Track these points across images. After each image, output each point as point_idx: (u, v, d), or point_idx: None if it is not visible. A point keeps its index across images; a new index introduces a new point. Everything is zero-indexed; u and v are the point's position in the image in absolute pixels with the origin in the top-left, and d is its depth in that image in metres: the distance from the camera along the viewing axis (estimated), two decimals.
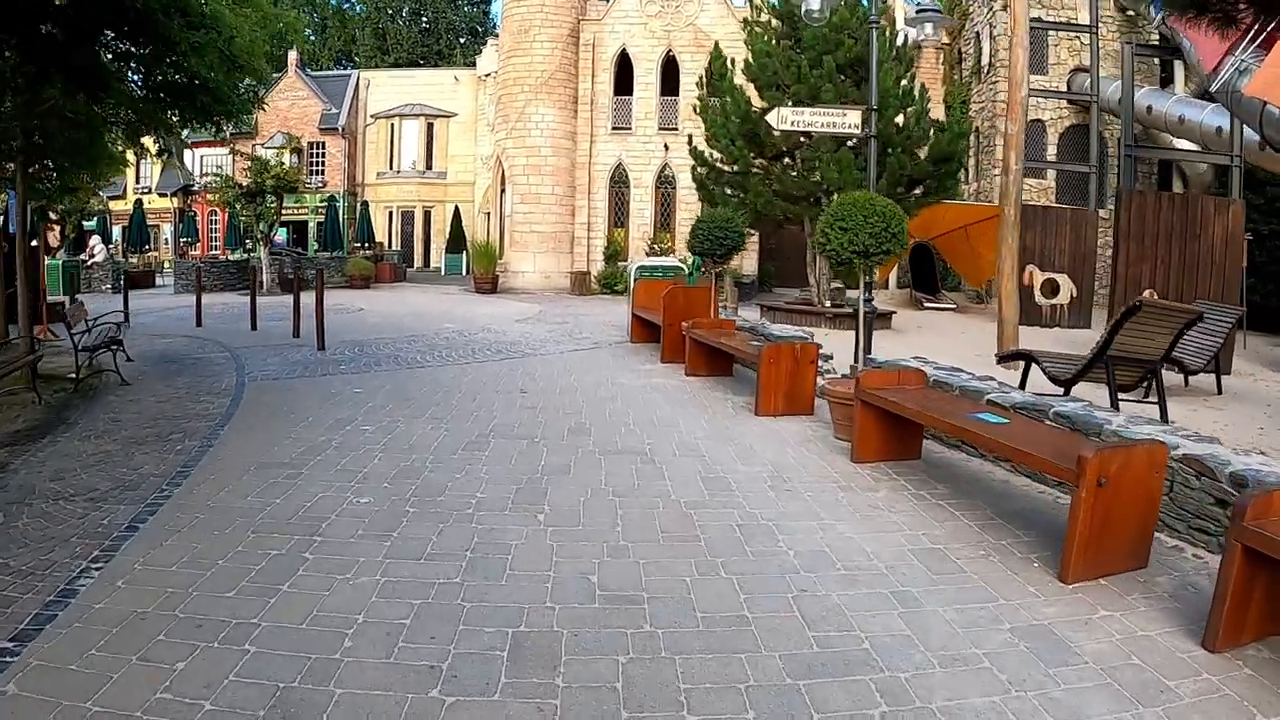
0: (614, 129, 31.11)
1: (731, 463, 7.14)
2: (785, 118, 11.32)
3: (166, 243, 46.84)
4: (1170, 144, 25.64)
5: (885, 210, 7.79)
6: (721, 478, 6.69)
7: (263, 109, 14.73)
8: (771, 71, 19.58)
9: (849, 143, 18.60)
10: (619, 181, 31.29)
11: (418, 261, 43.07)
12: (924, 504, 6.08)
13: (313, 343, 14.05)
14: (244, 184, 28.00)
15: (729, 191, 20.37)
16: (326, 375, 11.40)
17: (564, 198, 30.25)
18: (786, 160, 20.42)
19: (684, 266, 16.53)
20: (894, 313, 20.50)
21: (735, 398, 10.14)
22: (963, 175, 27.86)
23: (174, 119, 11.19)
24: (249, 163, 28.49)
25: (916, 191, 19.89)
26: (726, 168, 21.01)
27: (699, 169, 21.78)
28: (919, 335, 18.04)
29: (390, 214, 43.54)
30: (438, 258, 42.72)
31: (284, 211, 43.78)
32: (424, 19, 66.54)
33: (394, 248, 41.35)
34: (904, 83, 19.51)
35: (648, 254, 29.96)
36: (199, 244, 45.20)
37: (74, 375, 10.66)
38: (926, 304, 24.56)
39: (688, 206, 30.73)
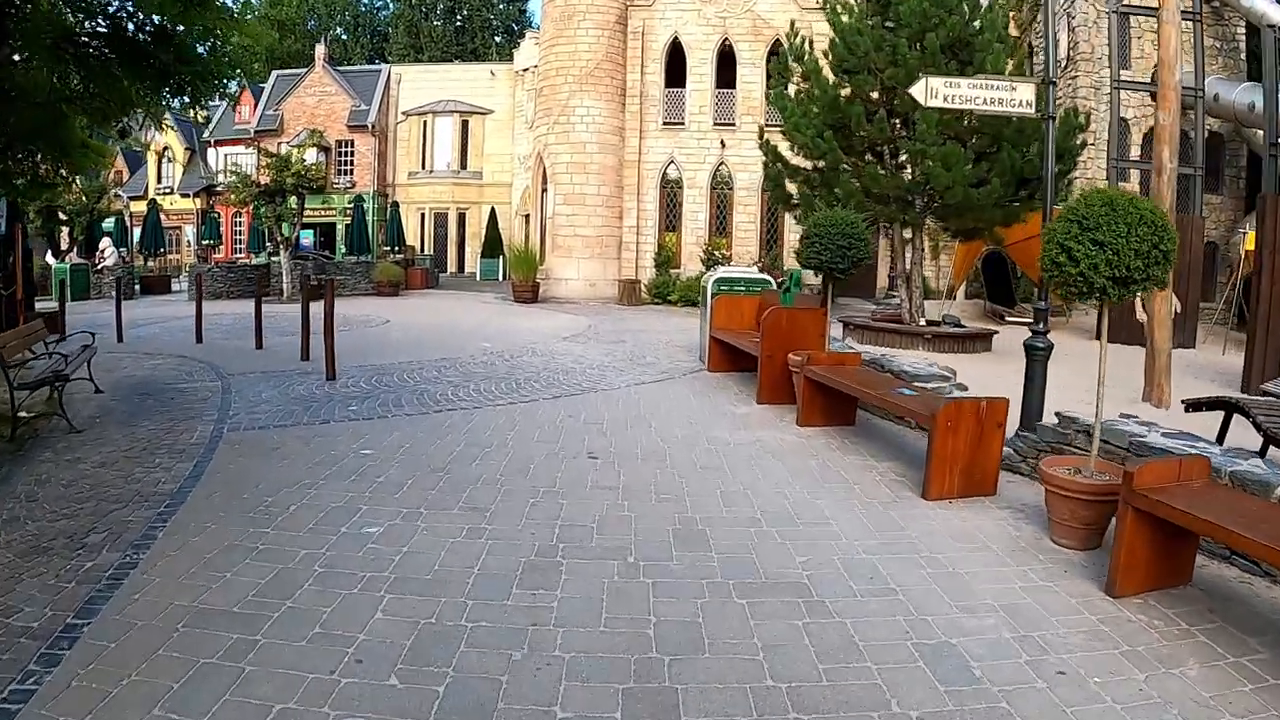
0: (665, 124, 28.45)
1: (946, 610, 4.43)
2: (935, 91, 8.53)
3: (189, 245, 44.72)
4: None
5: (1154, 218, 5.04)
6: (950, 650, 3.97)
7: (245, 77, 12.23)
8: (862, 53, 16.77)
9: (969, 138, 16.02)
10: (670, 181, 28.61)
11: (451, 266, 40.60)
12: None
13: (322, 368, 11.42)
14: (263, 182, 25.55)
15: (810, 191, 17.59)
16: (329, 422, 8.75)
17: (610, 198, 27.62)
18: (869, 156, 17.62)
19: (769, 280, 13.75)
20: (995, 332, 17.65)
21: (877, 464, 7.43)
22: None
23: (136, 90, 8.53)
24: (268, 159, 26.07)
25: (1022, 194, 16.98)
26: (806, 164, 18.26)
27: (773, 166, 19.06)
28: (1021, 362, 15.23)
29: (422, 216, 41.10)
30: (472, 262, 40.27)
31: (310, 213, 41.63)
32: (459, 17, 64.36)
33: (426, 252, 38.88)
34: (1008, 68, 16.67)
35: (705, 261, 27.29)
36: (222, 247, 43.06)
37: (18, 414, 8.16)
38: (1009, 319, 21.65)
39: (745, 209, 28.10)
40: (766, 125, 28.23)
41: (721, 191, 28.69)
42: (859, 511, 6.10)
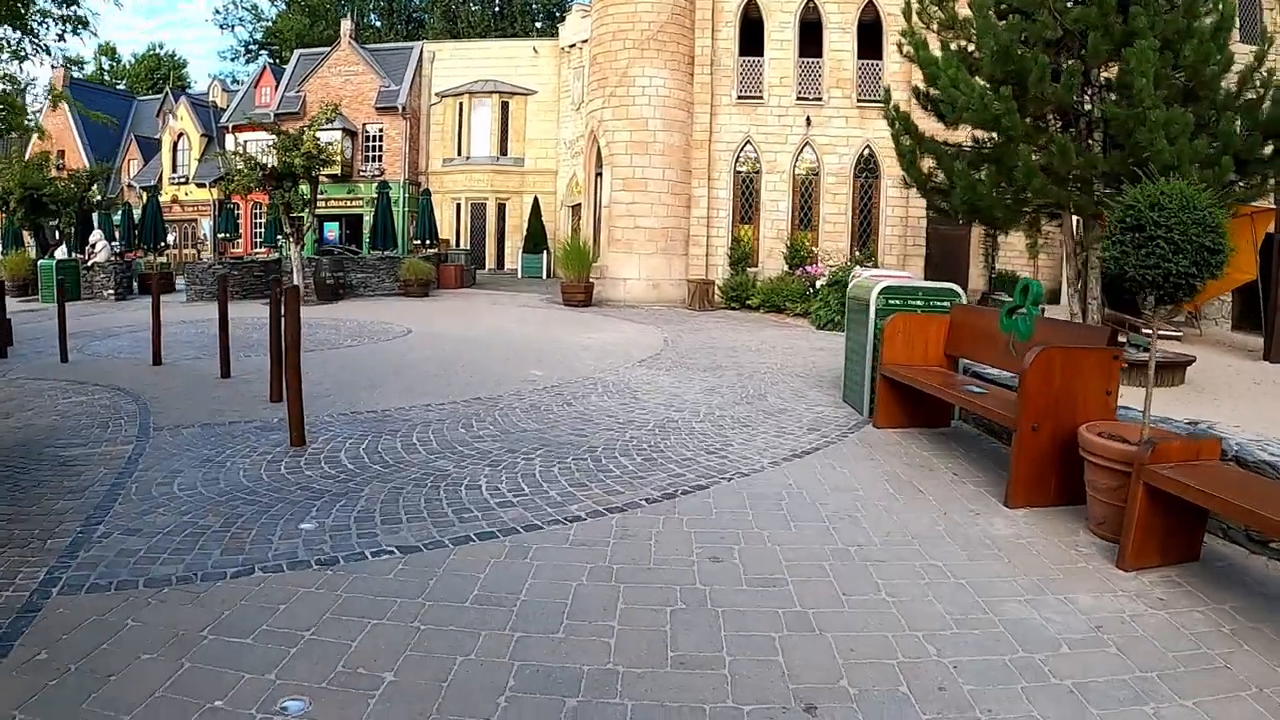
0: (740, 98, 24.16)
1: None
2: None
3: (204, 238, 41.08)
4: None
5: None
6: None
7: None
8: None
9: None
10: (746, 165, 24.31)
11: (489, 262, 36.54)
12: None
13: (296, 414, 7.29)
14: (268, 165, 21.57)
15: (972, 170, 13.26)
16: (259, 568, 4.57)
17: (677, 184, 23.37)
18: (1052, 122, 13.25)
19: (957, 291, 9.30)
20: (1190, 360, 13.27)
21: None
22: None
23: None
24: (274, 138, 22.13)
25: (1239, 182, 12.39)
26: (954, 137, 14.10)
27: (905, 140, 14.80)
28: (1243, 401, 11.21)
29: (458, 207, 37.04)
30: (513, 258, 36.28)
31: (335, 203, 37.90)
32: (497, 1, 60.44)
33: (461, 246, 34.90)
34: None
35: (789, 259, 23.02)
36: (241, 241, 39.40)
37: None
38: (1143, 330, 17.06)
39: (835, 198, 23.81)
40: (860, 100, 24.09)
41: (806, 177, 24.37)
42: None
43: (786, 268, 23.37)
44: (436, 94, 37.89)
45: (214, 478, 6.19)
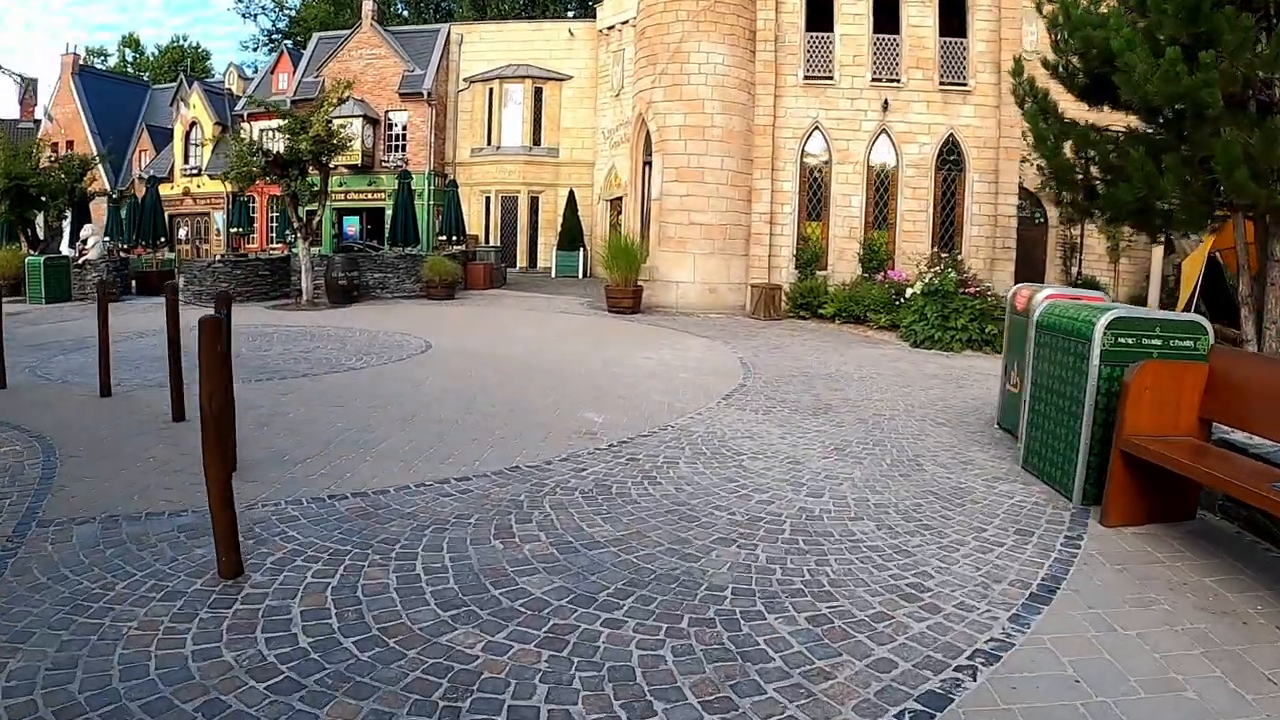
0: (807, 79, 21.18)
1: None
2: None
3: (218, 233, 38.62)
4: None
5: None
6: None
7: None
8: None
9: None
10: (815, 154, 21.37)
11: (520, 260, 33.74)
12: None
13: (223, 528, 4.47)
14: (272, 151, 18.86)
15: (1147, 156, 10.31)
16: None
17: (737, 175, 20.48)
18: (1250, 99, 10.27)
19: (1204, 327, 6.35)
20: None
21: None
22: None
23: None
24: (282, 120, 19.45)
25: None
26: (1106, 121, 11.30)
27: (1041, 120, 11.97)
28: None
29: (487, 200, 34.26)
30: (546, 255, 33.51)
31: (355, 197, 35.19)
32: None
33: (491, 242, 32.14)
34: None
35: (864, 261, 20.09)
36: (256, 235, 36.92)
37: None
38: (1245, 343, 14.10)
39: (915, 193, 20.83)
40: (943, 83, 21.15)
41: (882, 169, 21.41)
42: None
43: (860, 271, 20.45)
44: (465, 79, 35.17)
45: (58, 677, 3.38)
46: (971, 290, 16.32)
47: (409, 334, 14.64)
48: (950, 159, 21.33)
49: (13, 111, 48.15)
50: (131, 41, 72.46)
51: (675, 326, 16.88)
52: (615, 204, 31.93)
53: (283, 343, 13.53)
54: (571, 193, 32.12)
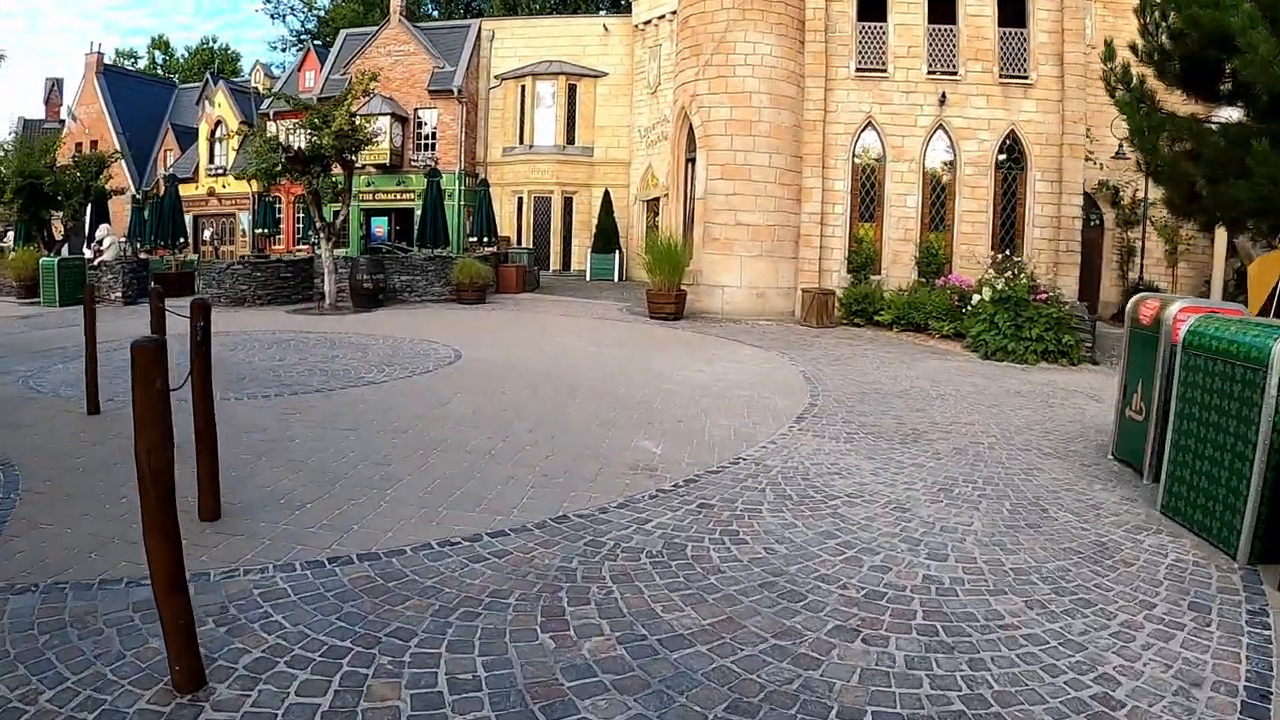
0: (859, 71, 19.86)
1: None
2: None
3: (244, 235, 37.79)
4: None
5: None
6: None
7: None
8: None
9: None
10: (867, 152, 20.08)
11: (554, 263, 32.55)
12: None
13: (179, 645, 3.27)
14: (292, 147, 17.81)
15: (1267, 152, 9.04)
16: None
17: (785, 172, 19.22)
18: None
19: None
20: None
21: None
22: None
23: None
24: (304, 114, 18.45)
25: None
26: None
27: (1140, 112, 10.72)
28: None
29: (519, 201, 33.09)
30: (579, 258, 32.31)
31: (383, 197, 34.19)
32: None
33: (523, 244, 31.00)
34: None
35: (921, 266, 18.87)
36: (282, 237, 36.05)
37: None
38: None
39: (974, 192, 19.50)
40: (1003, 75, 19.79)
41: (938, 169, 20.07)
42: None
43: (915, 276, 19.13)
44: (496, 76, 34.05)
45: None
46: (1041, 296, 14.99)
47: (436, 342, 13.51)
48: (1010, 157, 19.98)
49: (39, 112, 47.66)
50: (161, 44, 72.14)
51: (723, 334, 15.64)
52: (652, 205, 30.69)
53: (299, 350, 12.44)
54: (607, 193, 30.92)
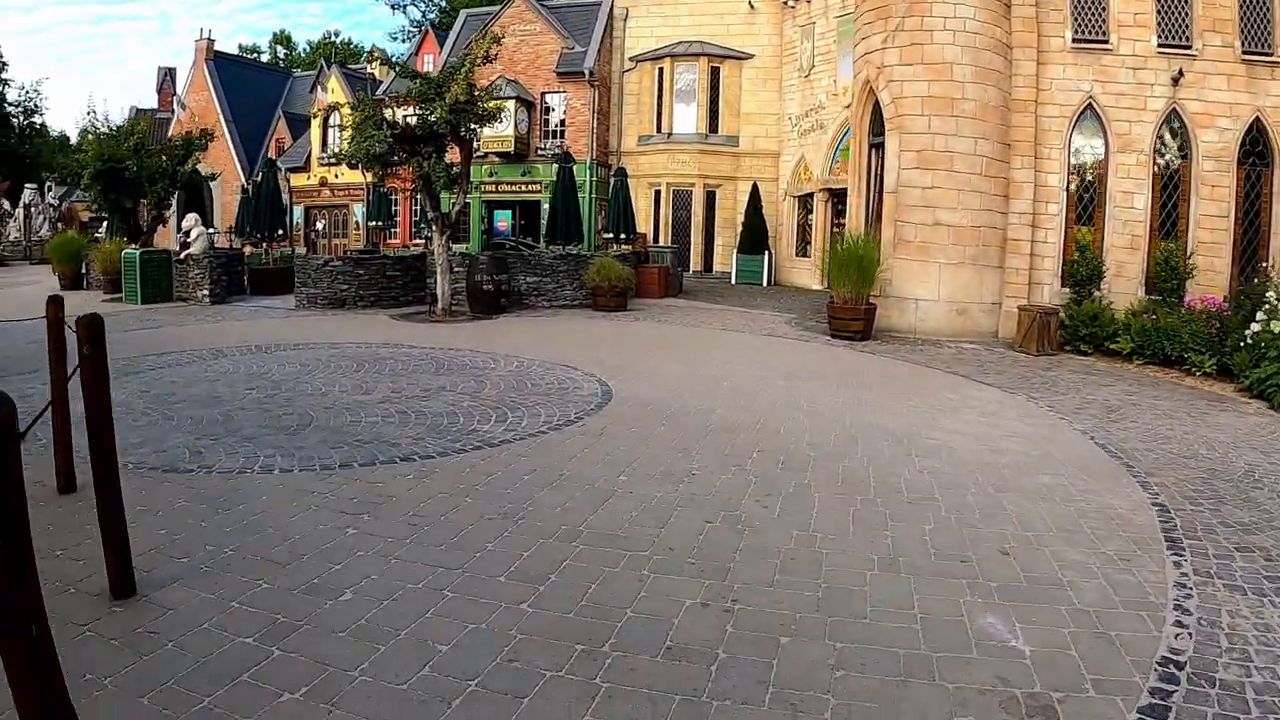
0: (1076, 42, 16.26)
1: None
2: None
3: (357, 227, 35.83)
4: None
5: None
6: None
7: None
8: None
9: None
10: (1088, 139, 16.44)
11: (694, 263, 29.56)
12: None
13: None
14: (399, 124, 15.22)
15: None
16: None
17: (992, 162, 15.79)
18: None
19: None
20: None
21: None
22: None
23: None
24: (410, 83, 16.06)
25: None
26: None
27: None
28: None
29: (656, 194, 30.16)
30: (722, 258, 29.34)
31: (506, 188, 31.63)
32: None
33: (661, 242, 28.06)
34: None
35: (1158, 281, 15.19)
36: (398, 230, 33.91)
37: None
38: None
39: (1213, 191, 15.86)
40: (1246, 52, 15.90)
41: (1174, 160, 16.32)
42: None
43: (1142, 293, 15.49)
44: (630, 58, 31.24)
45: None
46: None
47: (574, 366, 10.65)
48: (1254, 151, 16.14)
49: (152, 101, 46.85)
50: (283, 38, 71.79)
51: (934, 363, 12.41)
52: (804, 201, 27.44)
53: (396, 376, 9.70)
54: (755, 187, 27.78)
